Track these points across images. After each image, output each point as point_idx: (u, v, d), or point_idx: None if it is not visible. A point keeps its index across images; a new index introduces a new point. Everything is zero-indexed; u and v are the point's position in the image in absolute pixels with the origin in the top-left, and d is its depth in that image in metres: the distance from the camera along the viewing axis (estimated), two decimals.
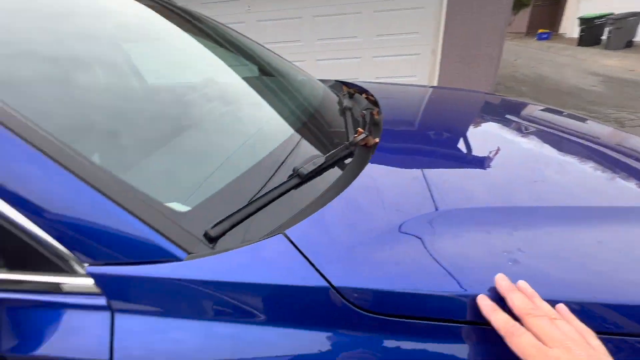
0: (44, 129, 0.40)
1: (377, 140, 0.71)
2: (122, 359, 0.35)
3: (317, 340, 0.36)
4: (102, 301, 0.37)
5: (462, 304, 0.36)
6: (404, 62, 3.43)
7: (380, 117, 0.91)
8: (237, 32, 1.31)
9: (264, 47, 1.35)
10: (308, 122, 0.83)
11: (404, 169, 0.62)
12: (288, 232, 0.41)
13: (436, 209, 0.49)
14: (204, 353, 0.36)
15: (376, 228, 0.45)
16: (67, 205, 0.37)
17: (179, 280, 0.36)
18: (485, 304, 0.34)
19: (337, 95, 1.21)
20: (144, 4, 1.02)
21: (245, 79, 0.94)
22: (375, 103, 1.09)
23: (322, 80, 1.47)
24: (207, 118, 0.74)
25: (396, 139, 0.75)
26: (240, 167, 0.56)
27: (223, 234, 0.42)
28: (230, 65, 1.02)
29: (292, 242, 0.40)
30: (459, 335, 0.36)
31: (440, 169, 0.65)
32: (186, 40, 1.03)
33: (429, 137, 0.79)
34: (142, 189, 0.41)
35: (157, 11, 1.03)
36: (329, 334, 0.36)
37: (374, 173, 0.58)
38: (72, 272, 0.37)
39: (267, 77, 1.09)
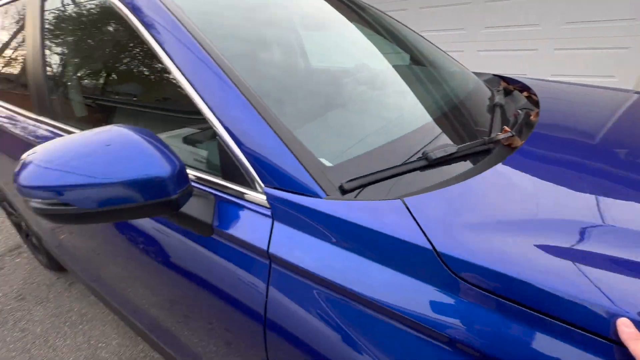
0: (254, 92, 0.59)
1: (522, 142, 0.67)
2: (274, 249, 0.52)
3: (410, 285, 0.43)
4: (268, 212, 0.55)
5: (580, 308, 0.35)
6: (600, 58, 2.70)
7: (536, 119, 0.82)
8: (396, 20, 1.38)
9: (421, 36, 1.37)
10: (450, 112, 0.84)
11: (547, 177, 0.57)
12: (406, 199, 0.48)
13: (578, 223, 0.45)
14: (321, 265, 0.48)
15: (488, 215, 0.46)
16: (261, 145, 0.55)
17: (316, 210, 0.50)
18: (628, 331, 0.32)
19: (491, 90, 1.14)
20: None
21: (396, 66, 1.01)
22: (537, 104, 0.98)
23: (478, 74, 1.38)
24: (356, 98, 0.85)
25: (551, 146, 0.67)
26: (376, 142, 0.65)
27: (352, 189, 0.52)
28: (383, 53, 1.10)
29: (407, 207, 0.47)
30: (555, 330, 0.36)
31: (603, 192, 0.54)
32: (348, 28, 1.17)
33: (605, 153, 0.65)
34: (307, 145, 0.57)
35: (329, 2, 1.20)
36: (422, 284, 0.43)
37: (506, 172, 0.57)
38: (254, 189, 0.56)
39: (417, 65, 1.12)
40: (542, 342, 0.36)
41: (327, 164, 0.56)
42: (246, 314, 0.57)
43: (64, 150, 0.48)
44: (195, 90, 0.61)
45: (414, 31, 1.38)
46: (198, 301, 0.67)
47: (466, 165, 0.63)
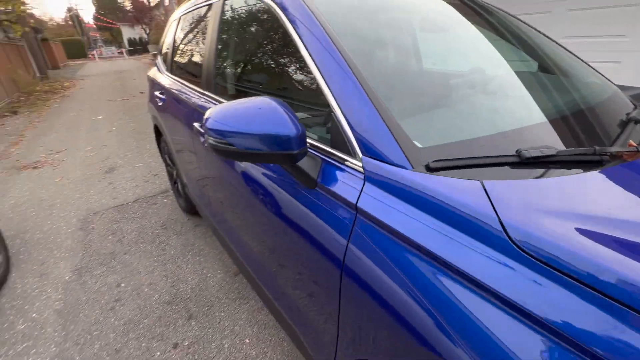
0: (368, 84, 0.72)
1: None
2: (360, 203, 0.64)
3: (472, 245, 0.49)
4: (361, 176, 0.68)
5: None
6: None
7: None
8: (527, 24, 1.31)
9: (555, 42, 1.28)
10: (568, 117, 0.81)
11: None
12: (485, 182, 0.53)
13: None
14: (396, 219, 0.58)
15: (566, 208, 0.48)
16: (367, 124, 0.68)
17: (402, 178, 0.60)
18: None
19: (634, 105, 1.01)
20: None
21: (512, 70, 1.00)
22: None
23: (624, 87, 1.21)
24: (459, 96, 0.90)
25: None
26: (468, 135, 0.70)
27: (436, 169, 0.60)
28: (506, 59, 1.09)
29: (484, 188, 0.52)
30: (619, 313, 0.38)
31: None
32: (469, 32, 1.18)
33: None
34: (404, 128, 0.67)
35: (451, 3, 1.23)
36: (484, 246, 0.49)
37: (601, 177, 0.55)
38: (354, 157, 0.70)
39: (541, 72, 1.07)
40: (579, 305, 0.40)
41: (419, 145, 0.65)
42: (328, 257, 0.71)
43: (230, 109, 0.71)
44: (323, 79, 0.78)
45: (547, 36, 1.29)
46: (292, 247, 0.85)
47: (562, 170, 0.62)
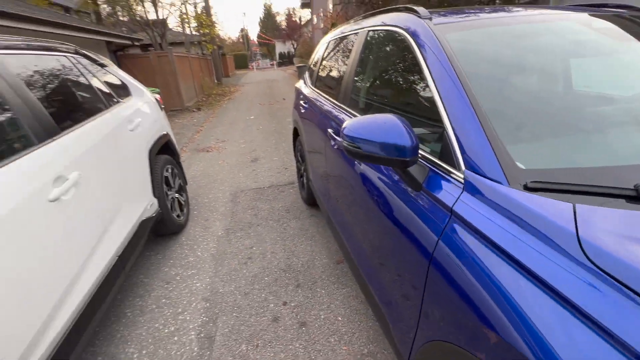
0: (481, 107, 0.84)
1: None
2: (456, 207, 0.77)
3: (554, 257, 0.57)
4: (461, 185, 0.80)
5: None
6: None
7: None
8: None
9: None
10: None
11: None
12: (577, 205, 0.59)
13: None
14: (486, 225, 0.69)
15: None
16: (474, 143, 0.80)
17: (499, 192, 0.70)
18: None
19: None
20: (607, 19, 1.19)
21: None
22: None
23: None
24: (585, 124, 0.89)
25: None
26: (579, 163, 0.73)
27: (534, 189, 0.68)
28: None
29: (574, 211, 0.59)
30: None
31: None
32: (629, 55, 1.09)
33: None
34: (510, 150, 0.76)
35: (618, 24, 1.16)
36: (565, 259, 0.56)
37: None
38: (457, 168, 0.83)
39: None
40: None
41: (521, 166, 0.73)
42: (419, 249, 0.86)
43: (361, 122, 0.94)
44: (441, 100, 0.93)
45: None
46: (392, 239, 1.02)
47: None
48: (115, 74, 2.56)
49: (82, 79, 2.00)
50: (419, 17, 1.19)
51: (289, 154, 4.49)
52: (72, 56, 2.04)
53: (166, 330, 1.73)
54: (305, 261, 2.21)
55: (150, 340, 1.68)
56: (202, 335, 1.69)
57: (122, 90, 2.49)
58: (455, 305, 0.73)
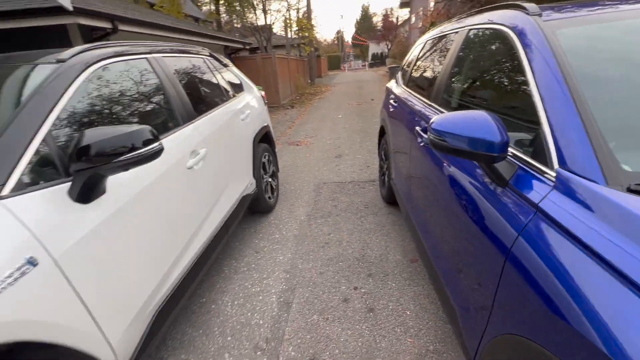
0: (587, 108, 0.80)
1: None
2: (542, 204, 0.76)
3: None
4: (551, 183, 0.79)
5: None
6: None
7: None
8: None
9: None
10: None
11: None
12: None
13: None
14: (576, 224, 0.67)
15: None
16: (575, 146, 0.77)
17: (593, 189, 0.68)
18: None
19: None
20: None
21: None
22: None
23: None
24: None
25: None
26: None
27: (636, 191, 0.64)
28: None
29: None
30: None
31: None
32: None
33: None
34: (615, 153, 0.72)
35: None
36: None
37: None
38: (549, 167, 0.81)
39: None
40: None
41: (626, 169, 0.69)
42: (496, 244, 0.87)
43: (450, 117, 0.98)
44: (541, 99, 0.91)
45: None
46: (471, 235, 1.03)
47: None
48: (234, 73, 3.04)
49: (211, 76, 2.48)
50: (527, 13, 1.15)
51: (372, 153, 4.57)
52: (207, 58, 2.54)
53: (253, 290, 2.04)
54: (378, 254, 2.29)
55: (241, 295, 2.01)
56: (281, 299, 1.93)
57: (237, 87, 2.96)
58: (531, 300, 0.73)
